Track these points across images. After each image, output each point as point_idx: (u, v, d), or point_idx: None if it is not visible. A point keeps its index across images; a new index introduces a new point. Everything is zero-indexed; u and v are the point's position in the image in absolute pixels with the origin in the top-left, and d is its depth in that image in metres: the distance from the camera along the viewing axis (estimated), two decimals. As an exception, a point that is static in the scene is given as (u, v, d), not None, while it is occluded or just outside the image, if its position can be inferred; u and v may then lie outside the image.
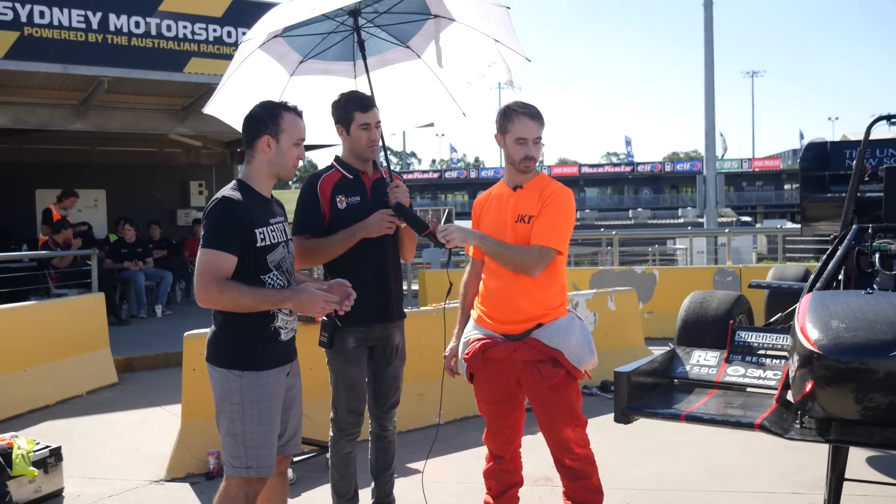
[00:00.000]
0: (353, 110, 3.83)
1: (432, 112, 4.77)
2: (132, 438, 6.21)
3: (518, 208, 3.58)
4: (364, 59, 4.10)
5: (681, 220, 43.86)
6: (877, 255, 4.19)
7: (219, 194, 3.09)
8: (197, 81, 12.05)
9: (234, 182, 3.19)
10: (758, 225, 44.73)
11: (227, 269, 2.98)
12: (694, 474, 5.10)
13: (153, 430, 6.38)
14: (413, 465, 5.41)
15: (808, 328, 3.03)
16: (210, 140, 16.64)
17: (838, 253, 4.28)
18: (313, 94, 4.18)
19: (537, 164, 3.63)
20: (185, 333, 5.43)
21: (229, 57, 12.68)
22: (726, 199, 56.70)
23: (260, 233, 3.07)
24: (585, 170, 76.74)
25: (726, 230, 16.92)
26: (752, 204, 65.29)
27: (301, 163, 3.35)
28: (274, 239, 3.13)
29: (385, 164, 4.07)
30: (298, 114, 3.20)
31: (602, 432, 5.58)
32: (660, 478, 5.05)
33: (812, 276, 4.14)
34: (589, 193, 74.65)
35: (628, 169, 74.83)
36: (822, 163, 6.70)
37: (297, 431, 3.34)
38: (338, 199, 3.82)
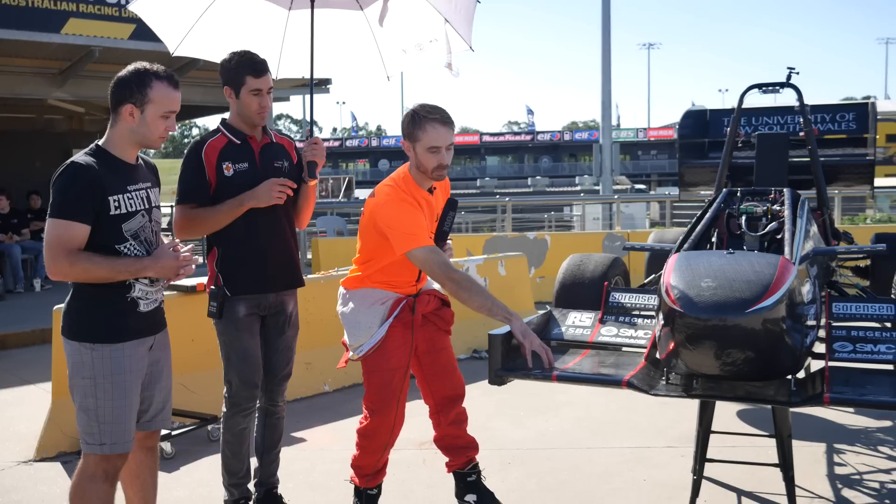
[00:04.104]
0: (244, 74, 3.62)
1: (356, 66, 4.64)
2: (2, 419, 5.91)
3: (437, 208, 3.71)
4: None
5: (578, 188, 44.73)
6: (743, 218, 4.35)
7: (69, 160, 2.90)
8: (75, 43, 11.43)
9: (90, 146, 3.00)
10: (651, 192, 46.05)
11: (78, 239, 2.82)
12: (575, 432, 5.23)
13: (26, 410, 6.07)
14: (298, 434, 5.36)
15: (671, 287, 3.11)
16: (93, 106, 15.88)
17: (707, 216, 4.42)
18: (241, 17, 3.99)
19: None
20: (55, 307, 5.17)
21: (111, 18, 12.13)
22: (622, 167, 58.12)
23: (114, 200, 2.89)
24: (486, 138, 77.27)
25: (615, 196, 17.36)
26: (647, 172, 67.21)
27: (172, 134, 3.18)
28: (131, 207, 2.96)
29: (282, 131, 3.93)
30: (174, 85, 3.00)
31: (489, 395, 5.66)
32: (542, 437, 5.16)
33: (681, 238, 4.26)
34: (490, 162, 75.31)
35: (528, 138, 75.77)
36: (701, 130, 6.91)
37: (164, 406, 3.20)
38: (224, 166, 3.62)
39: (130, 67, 2.98)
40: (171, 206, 11.79)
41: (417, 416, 4.39)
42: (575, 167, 70.44)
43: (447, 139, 3.49)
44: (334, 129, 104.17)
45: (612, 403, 5.71)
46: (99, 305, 2.93)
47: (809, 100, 5.97)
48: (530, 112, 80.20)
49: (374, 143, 78.63)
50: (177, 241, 3.10)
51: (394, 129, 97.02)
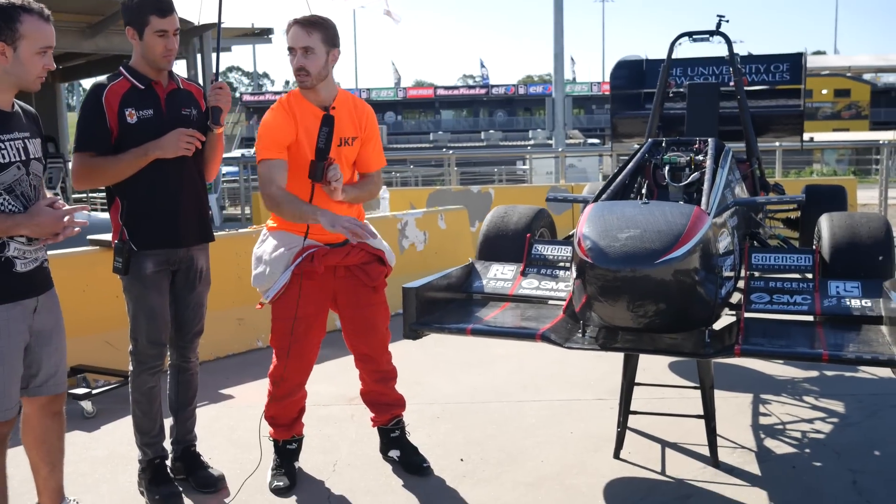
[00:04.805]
0: (148, 13, 3.39)
1: (283, 13, 4.57)
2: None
3: (339, 131, 3.55)
4: None
5: (531, 142, 44.76)
6: (667, 168, 4.32)
7: None
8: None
9: None
10: (604, 146, 46.27)
11: None
12: (507, 386, 5.22)
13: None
14: (227, 391, 5.27)
15: (583, 238, 3.06)
16: None
17: (629, 166, 4.37)
18: None
19: (313, 77, 3.49)
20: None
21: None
22: (576, 121, 58.18)
23: None
24: (441, 92, 76.51)
25: (559, 150, 17.40)
26: (601, 126, 67.22)
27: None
28: (3, 158, 2.75)
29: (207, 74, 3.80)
30: (45, 18, 2.80)
31: (425, 350, 5.63)
32: (474, 391, 5.14)
33: (600, 188, 4.22)
34: (444, 116, 74.70)
35: (483, 91, 75.19)
36: (637, 80, 6.84)
37: (56, 371, 3.03)
38: (127, 113, 3.41)
39: None
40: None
41: (347, 372, 4.35)
42: (530, 121, 70.16)
43: (301, 41, 3.45)
44: (287, 82, 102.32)
45: (547, 357, 5.69)
46: None
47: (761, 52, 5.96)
48: (483, 65, 79.51)
49: (328, 96, 77.34)
50: (58, 197, 2.93)
51: (347, 81, 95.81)
